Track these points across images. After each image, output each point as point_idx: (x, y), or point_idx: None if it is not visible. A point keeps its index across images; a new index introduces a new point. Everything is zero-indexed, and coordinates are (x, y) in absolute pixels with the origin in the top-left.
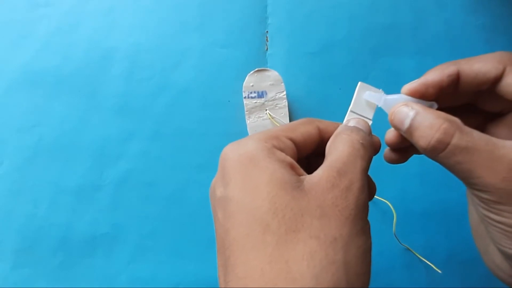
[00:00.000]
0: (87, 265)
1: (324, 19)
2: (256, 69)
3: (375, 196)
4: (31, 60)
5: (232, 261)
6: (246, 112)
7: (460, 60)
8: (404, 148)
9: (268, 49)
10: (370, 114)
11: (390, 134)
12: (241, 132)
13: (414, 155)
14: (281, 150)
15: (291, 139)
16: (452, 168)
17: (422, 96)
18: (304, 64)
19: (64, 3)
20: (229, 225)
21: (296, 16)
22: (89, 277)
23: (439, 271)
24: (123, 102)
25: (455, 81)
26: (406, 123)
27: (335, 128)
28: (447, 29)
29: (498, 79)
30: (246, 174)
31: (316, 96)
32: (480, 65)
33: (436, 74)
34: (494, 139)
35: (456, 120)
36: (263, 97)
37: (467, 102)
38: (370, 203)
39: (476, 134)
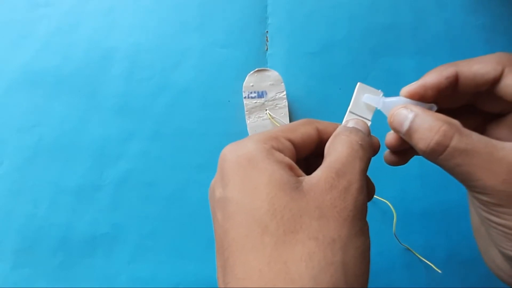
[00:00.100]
0: (87, 265)
1: (324, 19)
2: (256, 69)
3: (375, 196)
4: (31, 60)
5: (231, 261)
6: (246, 112)
7: (459, 61)
8: (404, 150)
9: (268, 49)
10: (369, 115)
11: (390, 137)
12: (241, 132)
13: (414, 156)
14: (280, 151)
15: (290, 140)
16: (451, 170)
17: (421, 98)
18: (304, 64)
19: (64, 3)
20: (228, 226)
21: (296, 16)
22: (89, 277)
23: (439, 271)
24: (123, 102)
25: (454, 83)
26: (405, 126)
27: (334, 129)
28: (447, 29)
29: (497, 80)
30: (245, 175)
31: (316, 96)
32: (478, 67)
33: (434, 76)
34: (493, 141)
35: (456, 122)
36: (263, 97)
37: (466, 103)
38: (370, 203)
39: (475, 136)
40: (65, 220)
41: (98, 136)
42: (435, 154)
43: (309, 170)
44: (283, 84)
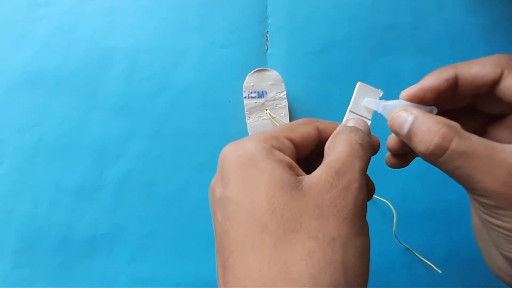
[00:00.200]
0: (87, 265)
1: (324, 19)
2: (256, 69)
3: (375, 196)
4: (31, 60)
5: (231, 261)
6: (246, 112)
7: (458, 63)
8: (405, 153)
9: (268, 49)
10: (369, 114)
11: (391, 140)
12: (241, 132)
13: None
14: (280, 150)
15: (290, 139)
16: (451, 173)
17: (421, 101)
18: (304, 64)
19: (64, 3)
20: (228, 226)
21: (296, 16)
22: (89, 277)
23: (439, 271)
24: (123, 102)
25: (453, 85)
26: (405, 128)
27: (334, 128)
28: (447, 29)
29: (496, 82)
30: (245, 174)
31: (316, 96)
32: (477, 68)
33: (433, 79)
34: (493, 143)
35: (455, 124)
36: (263, 97)
37: (467, 105)
38: (370, 203)
39: (475, 138)
40: (65, 220)
41: (98, 136)
42: (435, 157)
43: (309, 169)
44: (283, 84)
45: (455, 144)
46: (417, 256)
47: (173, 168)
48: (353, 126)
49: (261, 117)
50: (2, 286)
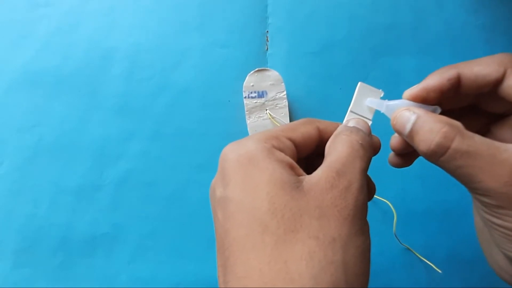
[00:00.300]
0: (87, 265)
1: (324, 19)
2: (257, 69)
3: (376, 196)
4: (31, 60)
5: (232, 261)
6: (246, 112)
7: (461, 63)
8: (409, 152)
9: (269, 49)
10: (370, 114)
11: (394, 140)
12: (241, 132)
13: None
14: (281, 150)
15: (291, 139)
16: (453, 172)
17: (424, 100)
18: (304, 64)
19: (64, 3)
20: (228, 225)
21: (296, 16)
22: (89, 277)
23: (439, 271)
24: (123, 102)
25: (456, 85)
26: (408, 128)
27: (335, 128)
28: (447, 29)
29: (499, 81)
30: (246, 174)
31: (316, 96)
32: (480, 68)
33: (436, 78)
34: (496, 143)
35: (458, 124)
36: (263, 97)
37: (470, 104)
38: (370, 203)
39: (477, 138)
40: (65, 220)
41: (98, 136)
42: (436, 156)
43: (309, 170)
44: (283, 84)
45: (456, 143)
46: (417, 256)
47: (173, 168)
48: (354, 127)
49: (261, 117)
50: (2, 286)
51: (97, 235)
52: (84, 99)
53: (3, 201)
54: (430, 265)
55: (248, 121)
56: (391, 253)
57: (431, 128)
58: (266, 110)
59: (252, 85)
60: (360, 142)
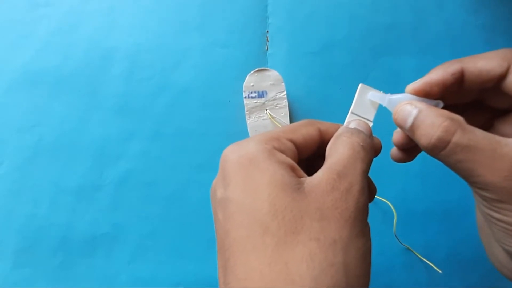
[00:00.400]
0: (87, 265)
1: (324, 19)
2: (257, 69)
3: (376, 196)
4: (31, 60)
5: (232, 262)
6: (246, 112)
7: (464, 58)
8: (411, 147)
9: (269, 49)
10: (371, 116)
11: (397, 135)
12: (242, 132)
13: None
14: (282, 151)
15: (292, 141)
16: (453, 166)
17: (427, 95)
18: (304, 64)
19: (64, 3)
20: (229, 226)
21: (296, 16)
22: (89, 277)
23: (440, 271)
24: (123, 102)
25: (459, 79)
26: (409, 122)
27: (336, 130)
28: (447, 29)
29: (503, 76)
30: (247, 175)
31: (316, 96)
32: (484, 63)
33: (439, 73)
34: (497, 138)
35: (459, 118)
36: (263, 97)
37: (473, 99)
38: (370, 204)
39: (478, 132)
40: (65, 220)
41: (98, 136)
42: (437, 150)
43: (310, 171)
44: (283, 84)
45: (457, 138)
46: (417, 256)
47: (173, 168)
48: (354, 128)
49: (261, 117)
50: (2, 286)
51: (97, 235)
52: (84, 99)
53: (3, 201)
54: (430, 265)
55: (248, 121)
56: (391, 253)
57: (432, 122)
58: (266, 110)
59: (252, 85)
60: (361, 144)
